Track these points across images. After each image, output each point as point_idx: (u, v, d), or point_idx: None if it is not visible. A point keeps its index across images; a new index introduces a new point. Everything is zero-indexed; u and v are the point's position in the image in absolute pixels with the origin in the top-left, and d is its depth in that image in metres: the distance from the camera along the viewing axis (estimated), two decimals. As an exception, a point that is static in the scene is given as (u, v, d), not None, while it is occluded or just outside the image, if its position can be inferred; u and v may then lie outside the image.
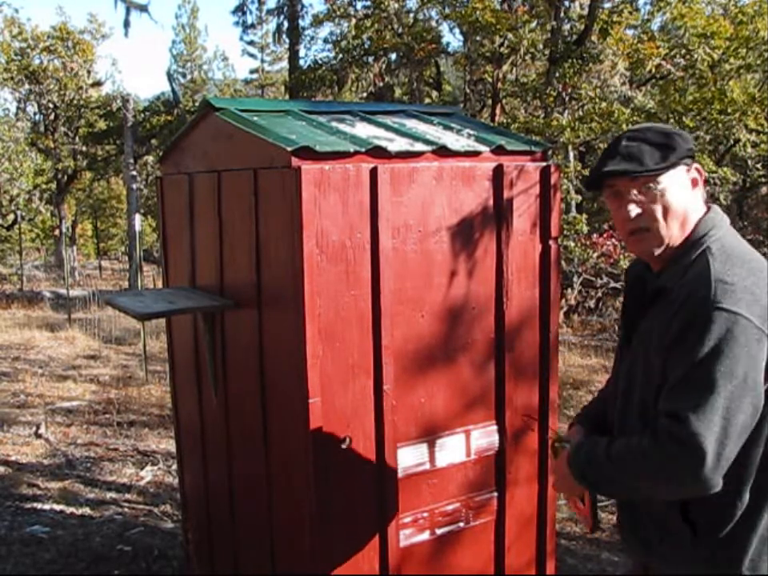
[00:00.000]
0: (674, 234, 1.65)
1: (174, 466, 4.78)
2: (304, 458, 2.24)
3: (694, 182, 1.66)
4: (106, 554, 3.79)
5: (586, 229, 10.06)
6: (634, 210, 1.63)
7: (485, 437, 2.55)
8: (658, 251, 1.66)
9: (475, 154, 2.49)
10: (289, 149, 2.14)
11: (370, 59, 13.89)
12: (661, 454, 1.49)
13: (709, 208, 1.69)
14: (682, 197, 1.65)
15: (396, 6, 12.94)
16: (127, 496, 4.62)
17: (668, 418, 1.49)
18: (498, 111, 12.99)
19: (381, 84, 13.97)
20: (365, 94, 14.35)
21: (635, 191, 1.63)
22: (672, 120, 10.75)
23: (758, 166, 13.12)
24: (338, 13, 14.14)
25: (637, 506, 1.72)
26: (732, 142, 12.15)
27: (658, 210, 1.63)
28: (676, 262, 1.64)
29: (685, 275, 1.60)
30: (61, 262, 18.42)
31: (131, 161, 16.84)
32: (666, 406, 1.52)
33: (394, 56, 13.95)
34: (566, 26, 12.15)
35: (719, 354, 1.46)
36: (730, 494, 1.55)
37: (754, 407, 1.49)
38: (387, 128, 2.61)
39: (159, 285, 11.28)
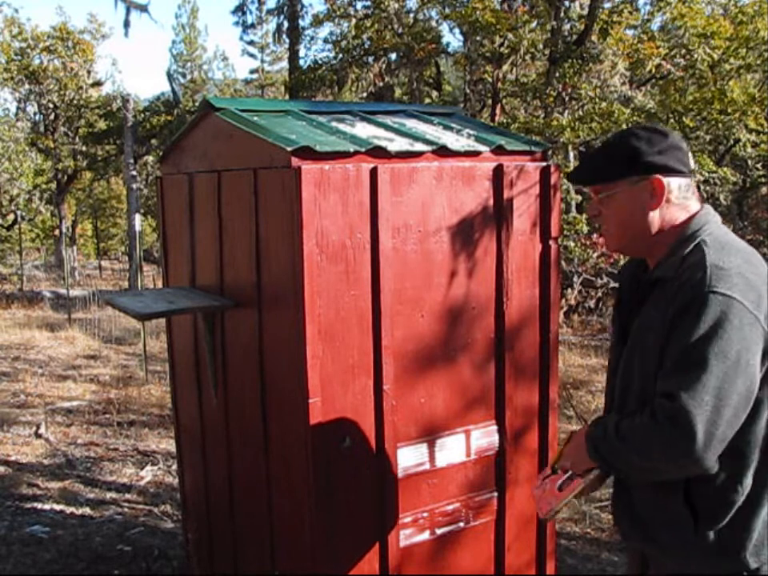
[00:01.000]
0: (626, 239, 1.75)
1: (174, 466, 4.78)
2: (304, 457, 2.24)
3: (654, 193, 1.69)
4: (105, 553, 3.79)
5: (586, 229, 10.05)
6: (591, 210, 1.80)
7: (485, 437, 2.55)
8: (612, 249, 1.83)
9: (475, 153, 2.49)
10: (289, 149, 2.14)
11: (370, 59, 13.89)
12: (656, 431, 1.53)
13: (702, 207, 1.74)
14: (632, 207, 1.71)
15: (396, 5, 12.93)
16: (127, 496, 4.62)
17: (663, 398, 1.53)
18: (498, 111, 12.99)
19: (381, 84, 13.96)
20: (365, 94, 14.34)
21: (594, 195, 1.77)
22: (672, 120, 10.76)
23: (758, 165, 13.12)
24: (338, 13, 14.13)
25: (636, 489, 1.73)
26: (732, 141, 12.15)
27: (607, 215, 1.75)
28: (670, 256, 1.69)
29: (682, 265, 1.64)
30: (61, 262, 18.42)
31: (131, 161, 16.84)
32: (661, 386, 1.56)
33: (393, 56, 13.94)
34: (566, 26, 12.13)
35: (713, 335, 1.50)
36: (731, 478, 1.58)
37: (747, 389, 1.51)
38: (387, 128, 2.61)
39: (159, 285, 11.28)
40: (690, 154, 1.72)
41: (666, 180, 1.68)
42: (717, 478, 1.57)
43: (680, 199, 1.70)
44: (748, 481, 1.59)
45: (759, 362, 1.53)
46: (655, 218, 1.70)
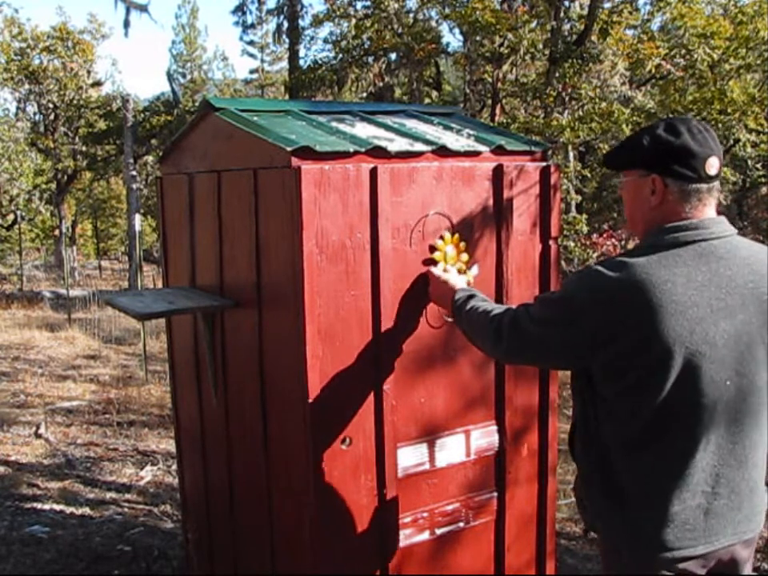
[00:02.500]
0: (634, 225, 1.82)
1: (174, 466, 4.78)
2: (304, 458, 2.24)
3: (653, 190, 1.72)
4: (105, 553, 3.79)
5: (585, 229, 10.07)
6: (619, 190, 2.00)
7: (485, 437, 2.55)
8: (629, 231, 2.08)
9: (475, 153, 2.49)
10: (289, 149, 2.14)
11: (370, 59, 13.90)
12: (485, 323, 1.91)
13: (689, 218, 1.69)
14: (632, 199, 1.78)
15: (396, 5, 12.94)
16: (127, 496, 4.62)
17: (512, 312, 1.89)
18: (498, 111, 13.00)
19: (381, 84, 13.97)
20: (365, 94, 14.35)
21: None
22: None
23: (758, 165, 13.14)
24: (338, 13, 14.14)
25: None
26: (732, 141, 12.15)
27: (624, 200, 1.85)
28: None
29: None
30: (61, 262, 18.43)
31: (131, 161, 16.85)
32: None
33: (393, 56, 13.95)
34: (566, 26, 12.15)
35: (554, 293, 1.89)
36: (595, 472, 1.79)
37: (538, 348, 1.79)
38: (387, 128, 2.61)
39: (159, 285, 11.28)
40: (710, 160, 1.67)
41: (665, 181, 1.69)
42: (588, 467, 1.81)
43: (680, 203, 1.70)
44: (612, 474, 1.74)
45: (560, 348, 1.74)
46: (654, 213, 1.73)
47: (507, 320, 1.84)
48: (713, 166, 1.67)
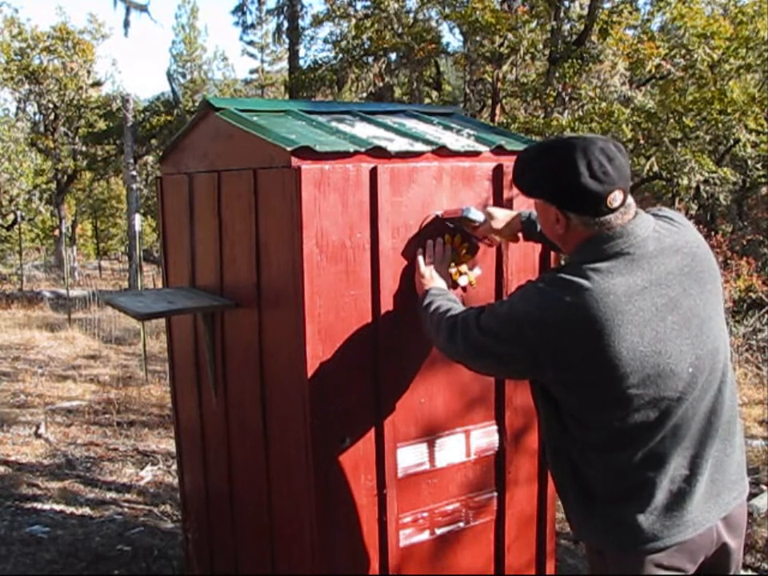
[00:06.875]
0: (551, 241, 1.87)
1: (174, 466, 4.78)
2: (304, 458, 2.24)
3: (556, 220, 1.73)
4: (105, 553, 3.79)
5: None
6: None
7: (485, 437, 2.55)
8: None
9: (475, 153, 2.49)
10: (288, 149, 2.13)
11: (370, 59, 13.89)
12: (442, 323, 1.94)
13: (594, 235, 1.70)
14: (542, 220, 1.82)
15: (396, 5, 12.93)
16: (127, 496, 4.62)
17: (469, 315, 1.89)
18: (497, 111, 13.00)
19: (381, 84, 13.96)
20: (365, 94, 14.34)
21: None
22: (672, 120, 10.77)
23: (758, 166, 13.14)
24: (338, 13, 14.13)
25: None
26: (732, 142, 12.16)
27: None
28: None
29: None
30: (61, 262, 18.45)
31: (131, 161, 16.85)
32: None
33: (393, 56, 13.94)
34: (566, 26, 12.15)
35: (506, 304, 1.81)
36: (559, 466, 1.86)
37: (495, 355, 1.77)
38: (387, 128, 2.61)
39: (159, 285, 11.28)
40: (612, 195, 1.62)
41: (567, 214, 1.70)
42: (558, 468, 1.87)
43: (586, 230, 1.70)
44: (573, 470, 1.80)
45: (513, 359, 1.74)
46: (564, 237, 1.76)
47: (460, 320, 1.86)
48: (616, 199, 1.63)
